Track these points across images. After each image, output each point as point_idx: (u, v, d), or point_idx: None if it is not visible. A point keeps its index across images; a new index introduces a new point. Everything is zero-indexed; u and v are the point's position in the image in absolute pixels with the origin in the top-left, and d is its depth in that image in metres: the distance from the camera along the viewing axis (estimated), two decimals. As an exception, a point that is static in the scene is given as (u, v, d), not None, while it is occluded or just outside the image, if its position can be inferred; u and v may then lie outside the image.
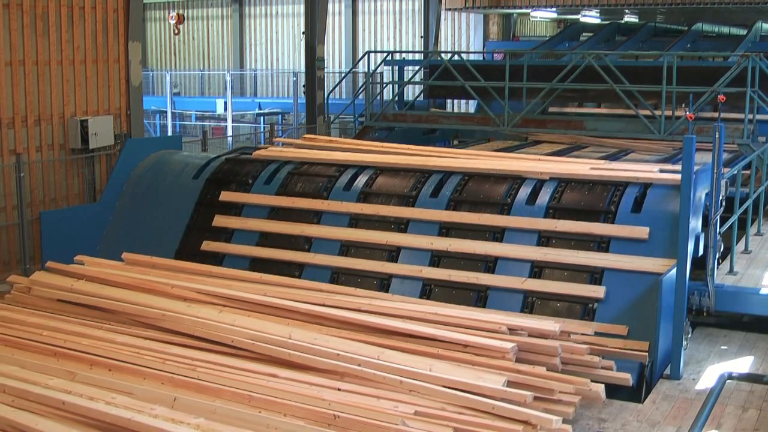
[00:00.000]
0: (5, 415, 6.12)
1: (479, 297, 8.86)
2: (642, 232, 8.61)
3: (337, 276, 9.52)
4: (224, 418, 6.08)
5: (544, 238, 9.04)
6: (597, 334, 8.01)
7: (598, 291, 8.41)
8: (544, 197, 9.36)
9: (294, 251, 9.89)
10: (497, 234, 9.25)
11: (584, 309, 8.41)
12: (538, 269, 8.82)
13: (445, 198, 9.75)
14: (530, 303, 8.63)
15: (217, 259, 10.24)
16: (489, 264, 9.02)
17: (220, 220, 10.55)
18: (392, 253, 9.50)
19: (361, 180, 10.34)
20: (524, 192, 9.49)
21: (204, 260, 10.14)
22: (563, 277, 8.67)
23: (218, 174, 11.10)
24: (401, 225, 9.72)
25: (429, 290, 9.07)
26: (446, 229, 9.52)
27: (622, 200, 9.01)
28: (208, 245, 10.37)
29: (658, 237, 8.53)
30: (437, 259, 9.27)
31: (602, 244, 8.80)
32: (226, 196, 10.74)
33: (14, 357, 7.37)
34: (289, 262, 9.82)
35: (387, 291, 9.15)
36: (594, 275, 8.57)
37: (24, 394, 6.44)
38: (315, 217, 10.16)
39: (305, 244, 9.94)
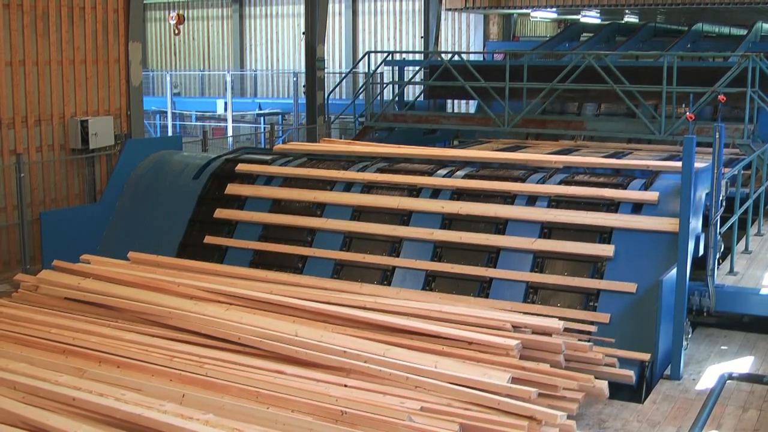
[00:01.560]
0: (17, 411, 6.19)
1: (490, 258, 9.11)
2: (652, 196, 8.92)
3: (349, 241, 9.77)
4: (233, 414, 6.15)
5: (554, 202, 9.37)
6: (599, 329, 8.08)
7: (607, 250, 8.60)
8: (556, 178, 9.81)
9: (306, 218, 10.19)
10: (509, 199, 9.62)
11: (594, 267, 8.64)
12: (547, 230, 9.10)
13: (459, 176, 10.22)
14: (539, 263, 8.87)
15: (219, 253, 10.28)
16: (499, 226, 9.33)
17: (222, 212, 10.66)
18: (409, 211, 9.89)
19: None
20: (537, 176, 9.92)
21: (206, 257, 10.18)
22: (573, 237, 8.94)
23: (219, 173, 11.17)
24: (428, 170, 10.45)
25: (440, 253, 9.32)
26: (458, 195, 9.83)
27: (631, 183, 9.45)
28: (210, 239, 10.46)
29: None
30: (449, 222, 9.56)
31: (611, 207, 9.12)
32: (231, 189, 10.84)
33: (23, 354, 7.44)
34: (301, 227, 10.10)
35: (398, 255, 9.47)
36: (603, 234, 8.85)
37: (34, 390, 6.51)
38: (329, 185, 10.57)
39: (317, 210, 10.25)
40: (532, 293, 8.73)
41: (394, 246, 9.62)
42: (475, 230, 9.37)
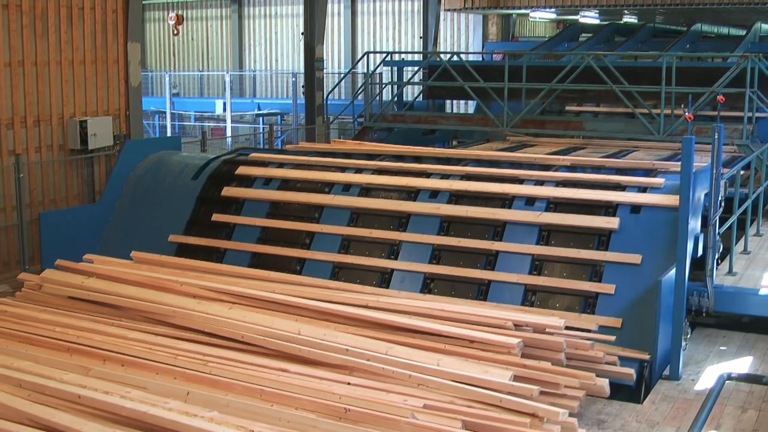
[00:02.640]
0: (23, 409, 6.23)
1: (488, 261, 9.12)
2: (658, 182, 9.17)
3: (357, 216, 9.86)
4: (237, 412, 6.19)
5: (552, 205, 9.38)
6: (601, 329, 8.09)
7: (612, 222, 8.78)
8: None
9: (315, 194, 10.34)
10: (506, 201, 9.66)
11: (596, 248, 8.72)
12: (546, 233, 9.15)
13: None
14: (538, 266, 8.89)
15: (218, 256, 10.28)
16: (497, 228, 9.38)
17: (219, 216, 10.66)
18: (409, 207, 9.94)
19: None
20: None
21: (205, 258, 10.16)
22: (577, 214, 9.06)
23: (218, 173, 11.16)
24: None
25: (438, 256, 9.36)
26: (456, 197, 9.83)
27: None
28: (208, 241, 10.43)
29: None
30: (447, 225, 9.57)
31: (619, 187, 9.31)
32: (227, 191, 10.87)
33: (28, 353, 7.47)
34: (299, 230, 10.13)
35: (405, 231, 9.58)
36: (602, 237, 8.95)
37: (40, 388, 6.56)
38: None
39: (325, 187, 10.43)
40: (531, 296, 8.73)
41: (392, 248, 9.61)
42: (474, 233, 9.36)
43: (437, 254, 9.34)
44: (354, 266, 9.57)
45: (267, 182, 10.80)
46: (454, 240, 9.36)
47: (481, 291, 8.92)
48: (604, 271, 8.59)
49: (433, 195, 9.84)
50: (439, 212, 9.60)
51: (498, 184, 9.74)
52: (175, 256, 10.32)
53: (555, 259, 8.86)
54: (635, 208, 8.90)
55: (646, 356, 7.77)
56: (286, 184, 10.67)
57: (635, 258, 8.46)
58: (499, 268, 8.98)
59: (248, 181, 10.90)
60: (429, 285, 9.17)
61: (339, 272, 9.60)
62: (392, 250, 9.60)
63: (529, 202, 9.37)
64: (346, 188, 10.36)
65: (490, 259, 9.05)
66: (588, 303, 8.45)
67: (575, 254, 8.75)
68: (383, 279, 9.37)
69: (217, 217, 10.62)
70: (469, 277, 9.01)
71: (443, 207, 9.66)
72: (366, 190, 10.27)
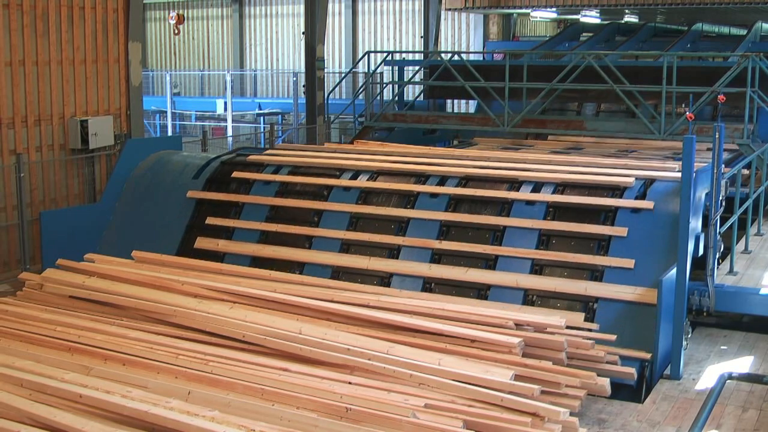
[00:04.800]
0: (24, 408, 6.24)
1: (495, 236, 9.24)
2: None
3: (347, 246, 9.79)
4: (238, 411, 6.21)
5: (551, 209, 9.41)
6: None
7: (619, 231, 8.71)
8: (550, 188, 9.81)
9: (324, 176, 10.46)
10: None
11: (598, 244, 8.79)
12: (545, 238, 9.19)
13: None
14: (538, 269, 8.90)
15: (217, 257, 10.25)
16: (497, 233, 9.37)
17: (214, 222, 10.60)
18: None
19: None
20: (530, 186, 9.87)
21: (205, 259, 10.14)
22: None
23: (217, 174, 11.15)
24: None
25: (446, 231, 9.44)
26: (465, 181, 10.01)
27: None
28: (206, 242, 10.42)
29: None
30: (454, 202, 9.70)
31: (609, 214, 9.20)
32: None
33: (29, 352, 7.49)
34: (307, 209, 10.31)
35: (405, 234, 9.64)
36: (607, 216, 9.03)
37: (41, 387, 6.57)
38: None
39: (335, 171, 10.53)
40: (531, 298, 8.73)
41: (392, 252, 9.57)
42: (472, 236, 9.36)
43: (428, 286, 9.27)
44: (353, 269, 9.53)
45: (267, 183, 10.80)
46: (455, 244, 9.32)
47: (480, 295, 8.92)
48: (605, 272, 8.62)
49: (422, 226, 9.69)
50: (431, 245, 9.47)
51: (496, 190, 9.68)
52: (176, 256, 10.33)
53: (554, 263, 8.85)
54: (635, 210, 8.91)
55: (647, 356, 7.77)
56: (284, 188, 10.66)
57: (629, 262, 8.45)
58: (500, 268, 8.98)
59: (247, 185, 10.89)
60: (430, 287, 9.15)
61: (338, 276, 9.54)
62: (392, 253, 9.58)
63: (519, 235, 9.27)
64: (346, 190, 10.35)
65: (481, 293, 8.99)
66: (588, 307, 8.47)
67: (568, 288, 8.66)
68: (383, 283, 9.32)
69: (210, 220, 10.60)
70: (469, 282, 9.02)
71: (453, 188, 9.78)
72: (365, 194, 10.26)
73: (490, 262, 9.11)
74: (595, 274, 8.64)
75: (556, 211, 9.28)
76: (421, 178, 10.24)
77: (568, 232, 9.03)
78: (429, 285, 9.14)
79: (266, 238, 10.26)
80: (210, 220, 10.61)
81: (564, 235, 9.04)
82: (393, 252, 9.58)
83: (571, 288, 8.59)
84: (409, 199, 9.98)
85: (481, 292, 8.92)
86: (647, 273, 8.40)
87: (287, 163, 11.00)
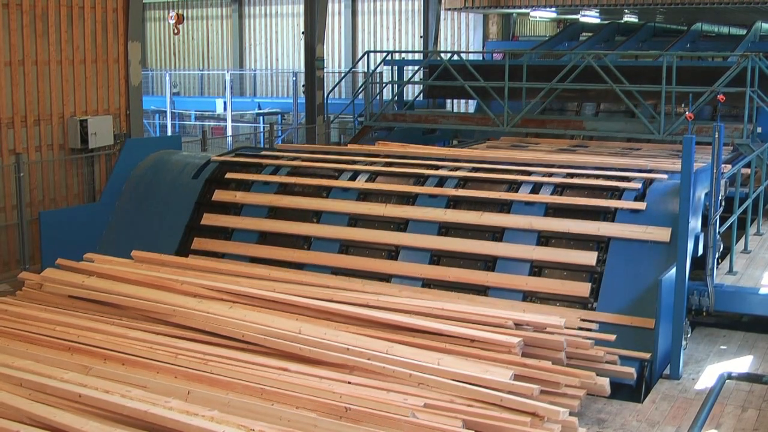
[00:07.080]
0: (24, 408, 6.23)
1: (495, 236, 9.20)
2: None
3: (346, 248, 9.79)
4: (238, 411, 6.20)
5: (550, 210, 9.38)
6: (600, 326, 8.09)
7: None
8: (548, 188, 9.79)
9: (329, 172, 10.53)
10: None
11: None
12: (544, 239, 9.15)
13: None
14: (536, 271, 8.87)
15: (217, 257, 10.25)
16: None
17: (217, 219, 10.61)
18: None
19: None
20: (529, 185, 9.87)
21: (205, 257, 10.15)
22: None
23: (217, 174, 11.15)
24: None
25: (446, 232, 9.46)
26: (463, 182, 10.02)
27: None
28: (205, 243, 10.42)
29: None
30: (453, 203, 9.70)
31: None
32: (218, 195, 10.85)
33: (28, 352, 7.47)
34: (317, 186, 10.39)
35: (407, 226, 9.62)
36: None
37: (41, 387, 6.56)
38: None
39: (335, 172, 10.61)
40: (529, 300, 8.73)
41: (390, 254, 9.55)
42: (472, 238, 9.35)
43: (436, 259, 9.29)
44: (352, 271, 9.52)
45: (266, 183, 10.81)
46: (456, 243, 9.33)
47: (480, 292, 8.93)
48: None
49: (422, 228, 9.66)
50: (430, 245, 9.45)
51: (496, 192, 9.67)
52: (176, 255, 10.34)
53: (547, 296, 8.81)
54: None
55: (647, 355, 7.77)
56: (284, 188, 10.67)
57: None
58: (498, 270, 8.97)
59: (246, 184, 10.89)
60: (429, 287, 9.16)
61: (337, 276, 9.53)
62: (391, 254, 9.58)
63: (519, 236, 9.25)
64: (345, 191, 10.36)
65: (488, 264, 9.02)
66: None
67: (566, 290, 8.66)
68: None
69: (207, 218, 10.62)
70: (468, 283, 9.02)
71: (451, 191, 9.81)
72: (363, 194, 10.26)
73: (489, 263, 9.11)
74: (594, 275, 8.65)
75: (555, 212, 9.28)
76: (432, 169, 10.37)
77: (568, 233, 9.03)
78: (428, 285, 9.13)
79: (265, 238, 10.26)
80: (209, 221, 10.61)
81: (564, 236, 9.04)
82: (392, 253, 9.57)
83: (569, 289, 8.60)
84: (408, 200, 9.99)
85: (481, 292, 8.92)
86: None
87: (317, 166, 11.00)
